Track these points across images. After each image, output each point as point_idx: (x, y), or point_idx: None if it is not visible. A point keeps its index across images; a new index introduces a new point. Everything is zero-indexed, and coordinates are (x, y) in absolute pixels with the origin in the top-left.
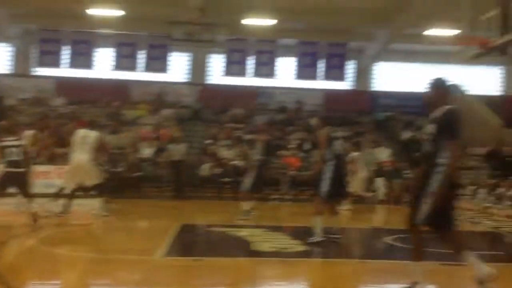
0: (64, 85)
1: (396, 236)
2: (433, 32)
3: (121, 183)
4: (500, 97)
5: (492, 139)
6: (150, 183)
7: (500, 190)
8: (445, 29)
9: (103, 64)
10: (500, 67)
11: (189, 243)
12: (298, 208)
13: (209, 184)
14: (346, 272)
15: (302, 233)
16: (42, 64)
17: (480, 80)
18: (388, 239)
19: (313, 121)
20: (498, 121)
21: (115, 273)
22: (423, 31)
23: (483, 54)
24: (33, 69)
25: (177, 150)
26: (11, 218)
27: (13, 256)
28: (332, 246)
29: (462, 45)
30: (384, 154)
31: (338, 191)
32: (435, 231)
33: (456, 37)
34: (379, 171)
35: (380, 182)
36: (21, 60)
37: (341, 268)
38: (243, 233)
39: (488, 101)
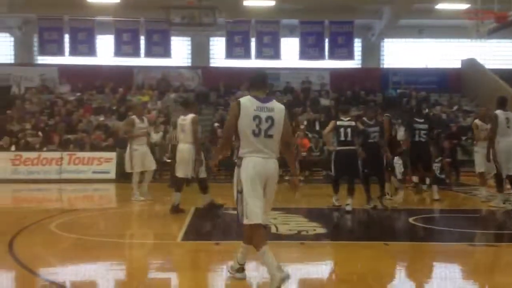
0: (67, 73)
1: (417, 216)
2: (443, 6)
3: None
4: None
5: None
6: (161, 167)
7: None
8: (456, 3)
9: (105, 51)
10: None
11: (204, 227)
12: (311, 189)
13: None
14: (368, 254)
15: (318, 215)
16: (43, 52)
17: (496, 54)
18: (410, 220)
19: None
20: None
21: (136, 257)
22: (433, 5)
23: (501, 28)
24: (35, 58)
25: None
26: (45, 203)
27: (38, 242)
28: (352, 228)
29: (476, 19)
30: (399, 132)
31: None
32: None
33: (470, 11)
34: (395, 150)
35: (396, 161)
36: (22, 49)
37: (363, 250)
38: None
39: (506, 74)
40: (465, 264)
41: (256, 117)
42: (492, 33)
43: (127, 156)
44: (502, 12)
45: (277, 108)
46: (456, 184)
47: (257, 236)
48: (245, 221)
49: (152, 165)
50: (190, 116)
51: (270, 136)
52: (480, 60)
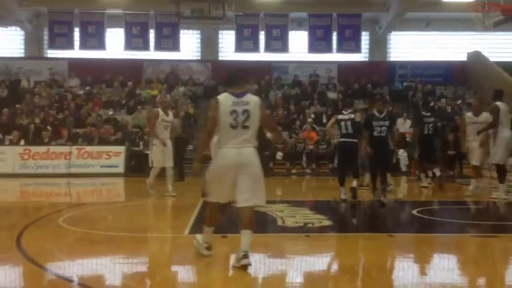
0: (77, 67)
1: (420, 208)
2: None
3: (142, 161)
4: None
5: None
6: None
7: None
8: None
9: (115, 45)
10: None
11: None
12: (318, 182)
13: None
14: (374, 246)
15: (324, 208)
16: (53, 46)
17: (501, 46)
18: (414, 212)
19: None
20: None
21: (143, 251)
22: None
23: (507, 20)
24: (45, 52)
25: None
26: (53, 197)
27: (45, 236)
28: (357, 220)
29: (482, 12)
30: (404, 125)
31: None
32: None
33: (475, 3)
34: (401, 143)
35: (401, 154)
36: (32, 43)
37: (368, 242)
38: (266, 208)
39: (510, 67)
40: (468, 255)
41: (233, 112)
42: (498, 26)
43: (150, 150)
44: (508, 5)
45: (252, 101)
46: (460, 176)
47: (210, 214)
48: (208, 198)
49: (169, 162)
50: None
51: (247, 127)
52: (485, 53)
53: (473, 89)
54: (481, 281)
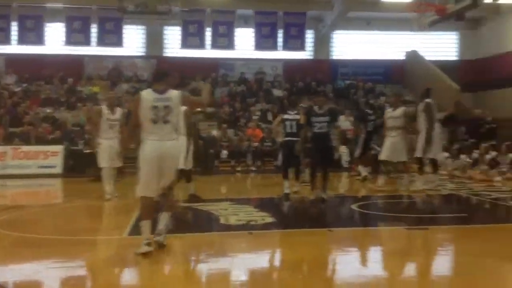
0: (14, 63)
1: (359, 203)
2: None
3: (81, 160)
4: (456, 62)
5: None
6: None
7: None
8: None
9: (54, 40)
10: (455, 32)
11: (154, 220)
12: (262, 179)
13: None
14: (314, 241)
15: (268, 205)
16: None
17: (436, 46)
18: (354, 207)
19: None
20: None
21: (82, 254)
22: None
23: (440, 20)
24: None
25: None
26: None
27: None
28: (299, 216)
29: (419, 12)
30: (346, 122)
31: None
32: None
33: (413, 4)
34: (342, 140)
35: (343, 150)
36: None
37: (308, 237)
38: (210, 207)
39: (445, 66)
40: (400, 246)
41: (154, 107)
42: (433, 25)
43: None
44: (442, 5)
45: (174, 96)
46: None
47: (143, 208)
48: (138, 193)
49: (116, 162)
50: (183, 108)
51: (167, 122)
52: (422, 52)
53: (409, 88)
54: (413, 271)
